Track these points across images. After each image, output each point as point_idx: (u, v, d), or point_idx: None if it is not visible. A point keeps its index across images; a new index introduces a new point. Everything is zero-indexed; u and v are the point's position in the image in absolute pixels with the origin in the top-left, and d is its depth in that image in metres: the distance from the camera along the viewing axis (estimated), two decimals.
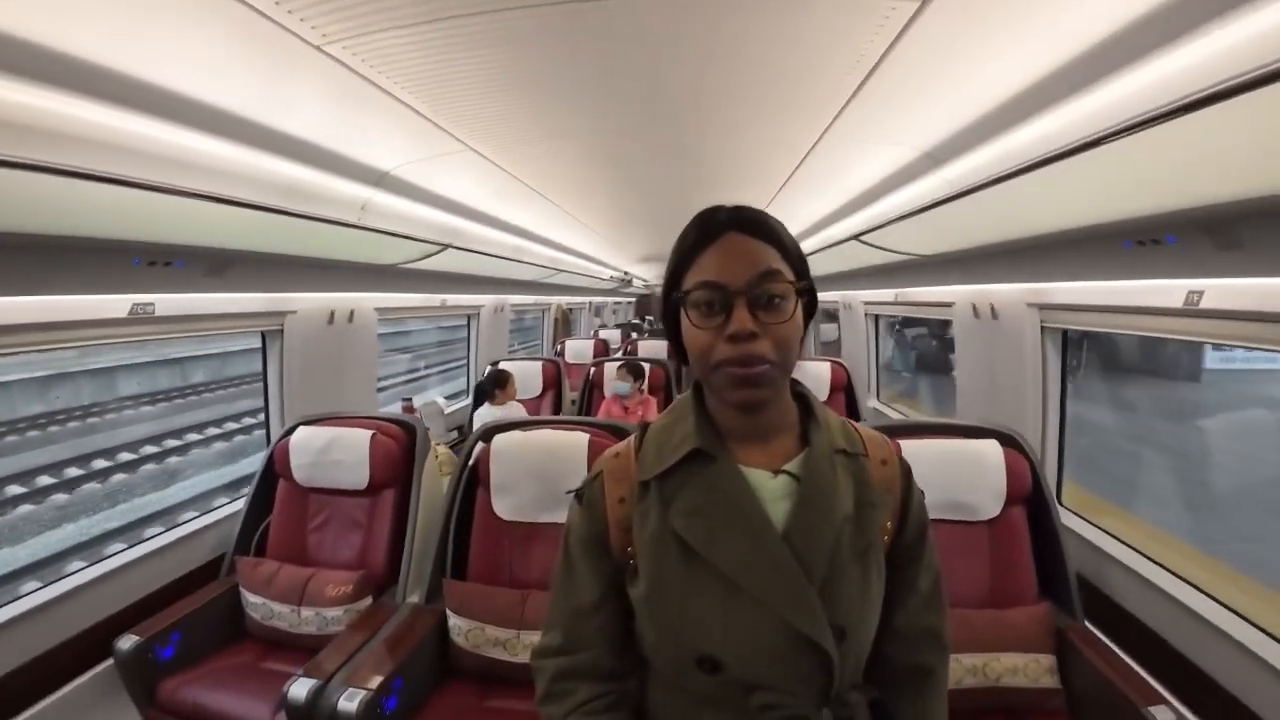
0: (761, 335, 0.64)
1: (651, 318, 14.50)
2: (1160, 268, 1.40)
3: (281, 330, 2.39)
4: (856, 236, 2.48)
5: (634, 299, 15.26)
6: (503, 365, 4.40)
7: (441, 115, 1.89)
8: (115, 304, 1.74)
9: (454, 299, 3.95)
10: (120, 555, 1.93)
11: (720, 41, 1.34)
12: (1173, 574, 1.68)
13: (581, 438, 1.97)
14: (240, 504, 2.21)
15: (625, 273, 9.53)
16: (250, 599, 1.92)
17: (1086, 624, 1.70)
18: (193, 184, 1.40)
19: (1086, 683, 1.50)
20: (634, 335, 7.72)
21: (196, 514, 2.28)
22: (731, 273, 0.65)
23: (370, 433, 2.10)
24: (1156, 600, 1.68)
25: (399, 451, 2.12)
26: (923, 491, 0.79)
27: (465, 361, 5.11)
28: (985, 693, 1.54)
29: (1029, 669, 1.54)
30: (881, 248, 2.69)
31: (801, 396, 0.77)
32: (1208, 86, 0.81)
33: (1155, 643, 1.68)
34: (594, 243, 5.81)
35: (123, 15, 0.95)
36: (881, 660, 0.75)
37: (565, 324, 7.81)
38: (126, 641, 1.65)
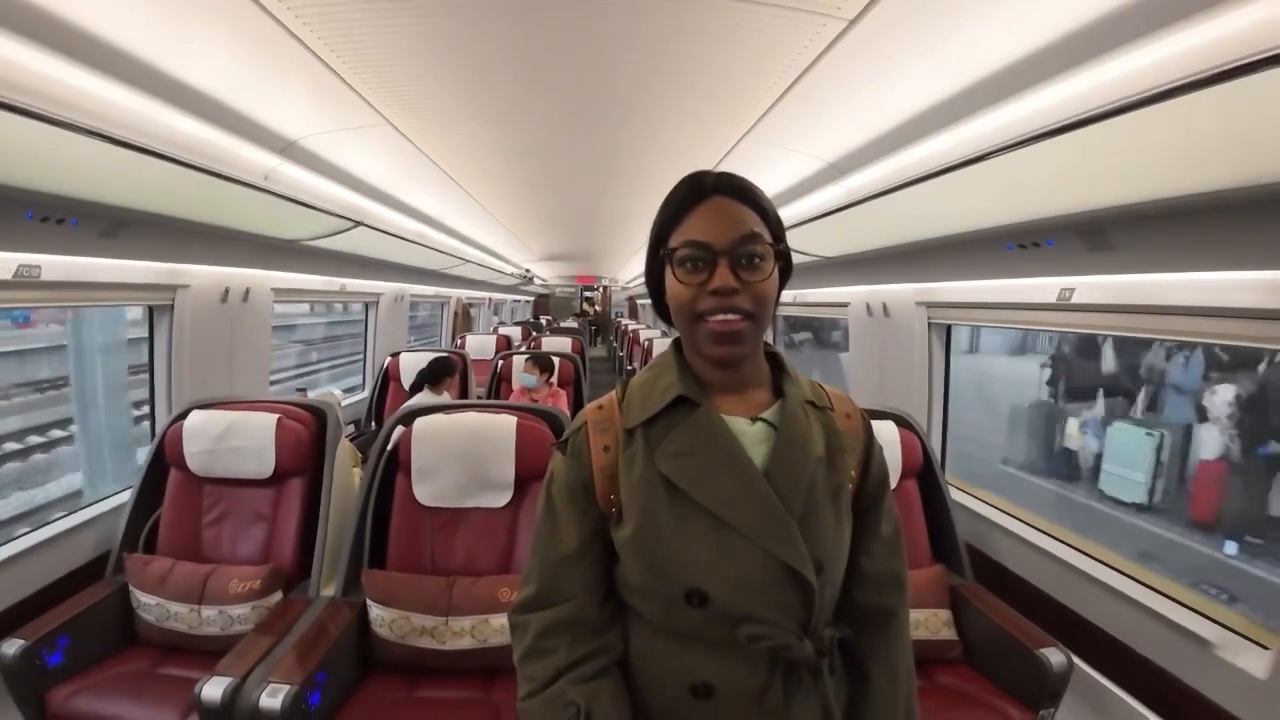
0: (741, 291, 0.70)
1: (550, 317, 14.38)
2: (1038, 268, 1.66)
3: (172, 306, 2.15)
4: None
5: (532, 298, 15.06)
6: (404, 355, 4.21)
7: (362, 81, 1.82)
8: None
9: (354, 284, 3.73)
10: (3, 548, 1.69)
11: (653, 43, 1.39)
12: (1049, 535, 1.99)
13: (509, 420, 1.96)
14: (124, 497, 1.97)
15: (527, 270, 9.41)
16: (142, 599, 1.74)
17: (975, 583, 1.97)
18: (93, 125, 1.25)
19: (980, 633, 1.73)
20: (535, 334, 7.64)
21: (66, 512, 1.98)
22: (716, 233, 0.71)
23: (275, 417, 1.95)
24: (1033, 557, 1.98)
25: (308, 437, 1.99)
26: (881, 446, 0.85)
27: (356, 357, 4.81)
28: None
29: (929, 623, 1.77)
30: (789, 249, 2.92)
31: (774, 355, 0.83)
32: (1082, 112, 1.01)
33: (1032, 594, 1.97)
34: (499, 237, 5.71)
35: None
36: (848, 602, 0.80)
37: (465, 318, 7.56)
38: (11, 646, 1.49)
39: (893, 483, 1.99)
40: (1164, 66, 0.91)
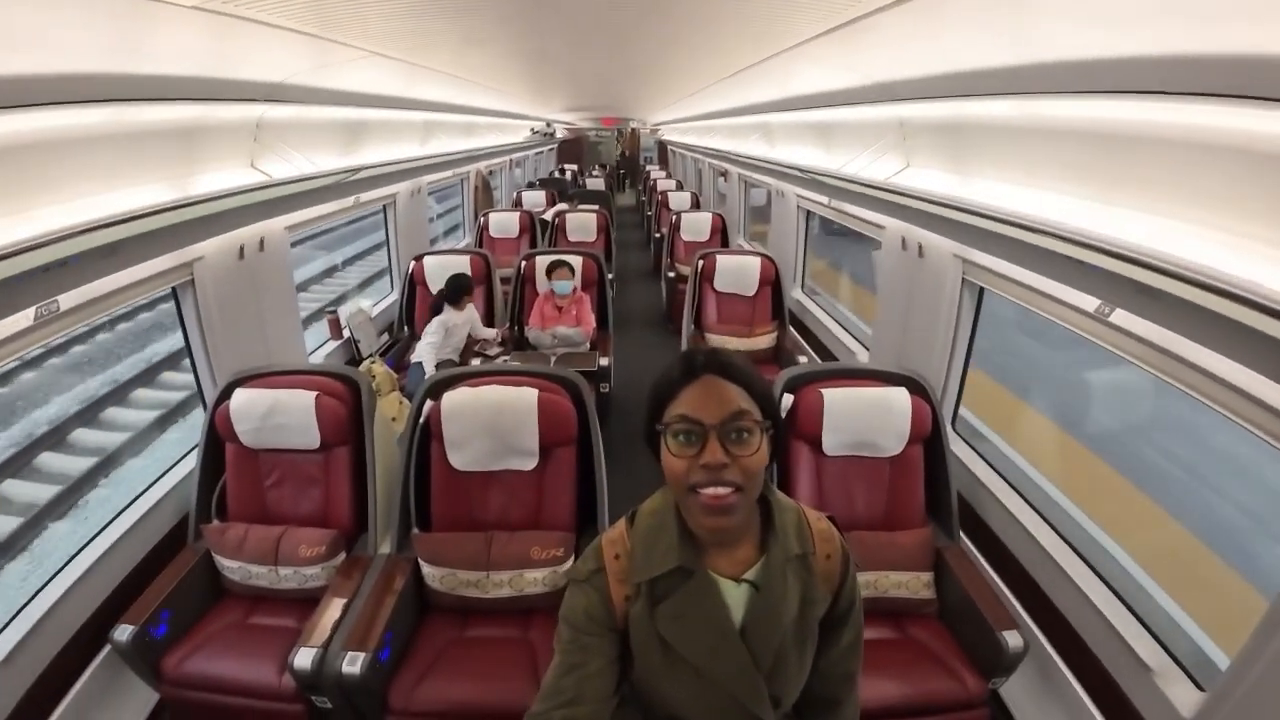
0: (731, 465, 0.77)
1: (575, 167, 13.64)
2: (1079, 282, 1.54)
3: (192, 280, 2.18)
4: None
5: (555, 147, 14.19)
6: (427, 259, 4.20)
7: (341, 31, 1.65)
8: (21, 316, 1.54)
9: (366, 195, 3.62)
10: (95, 545, 1.94)
11: None
12: (1032, 507, 2.05)
13: (530, 394, 2.05)
14: (190, 465, 2.19)
15: (548, 123, 8.77)
16: (225, 563, 2.02)
17: (964, 539, 2.08)
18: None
19: (955, 597, 1.88)
20: (561, 206, 7.37)
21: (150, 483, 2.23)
22: (707, 410, 0.78)
23: (314, 394, 2.08)
24: (1015, 528, 2.01)
25: (345, 412, 2.13)
26: (856, 574, 0.95)
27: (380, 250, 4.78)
28: (874, 602, 1.94)
29: (911, 584, 1.94)
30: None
31: (765, 500, 0.90)
32: None
33: (1009, 560, 2.03)
34: (517, 103, 5.25)
35: None
36: (806, 691, 0.93)
37: (486, 192, 7.29)
38: (122, 632, 1.72)
39: (897, 450, 2.06)
40: None
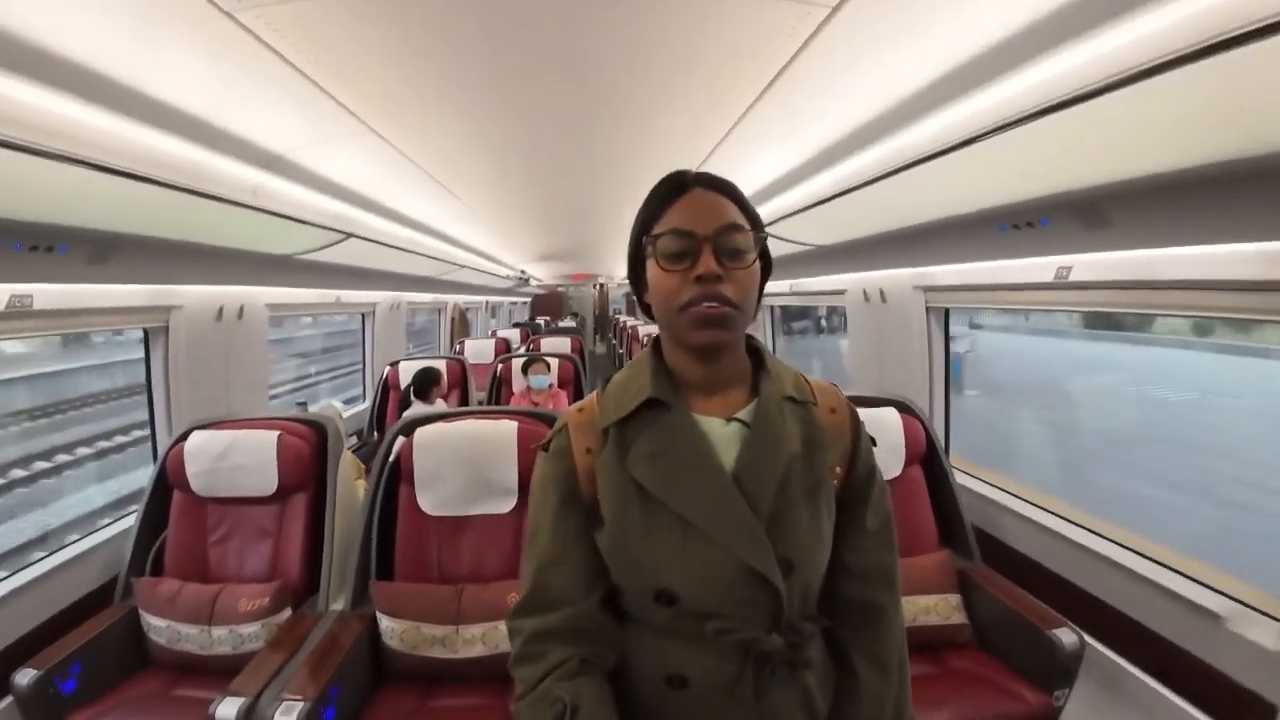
0: (726, 279, 0.70)
1: (548, 318, 14.37)
2: (1032, 248, 1.66)
3: (167, 327, 2.14)
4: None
5: (529, 299, 15.03)
6: (404, 363, 4.20)
7: (342, 90, 1.81)
8: None
9: (349, 295, 3.72)
10: (4, 582, 1.72)
11: (636, 39, 1.38)
12: (1057, 515, 1.99)
13: (510, 425, 1.96)
14: (129, 521, 1.97)
15: (522, 271, 9.38)
16: (153, 622, 1.74)
17: (984, 566, 1.97)
18: (76, 153, 1.24)
19: (990, 615, 1.74)
20: (533, 335, 7.65)
21: (79, 535, 1.99)
22: (700, 221, 0.71)
23: (276, 433, 1.94)
24: (1040, 536, 1.98)
25: (310, 452, 1.99)
26: (872, 438, 0.84)
27: (354, 368, 4.80)
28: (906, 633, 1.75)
29: (939, 608, 1.77)
30: (780, 238, 2.91)
31: (755, 350, 0.82)
32: (1073, 89, 1.00)
33: (1041, 573, 1.97)
34: (491, 239, 5.68)
35: None
36: (835, 595, 0.80)
37: (463, 324, 7.56)
38: (24, 676, 1.49)
39: (897, 470, 1.99)
40: (1155, 40, 0.90)
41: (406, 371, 4.12)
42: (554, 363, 4.11)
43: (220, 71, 1.46)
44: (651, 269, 0.74)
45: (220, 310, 2.41)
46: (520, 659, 0.75)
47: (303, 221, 2.59)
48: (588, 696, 0.70)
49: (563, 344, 6.35)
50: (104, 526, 2.07)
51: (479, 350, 6.19)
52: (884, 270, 2.42)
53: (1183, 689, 1.56)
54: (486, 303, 10.25)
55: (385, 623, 1.70)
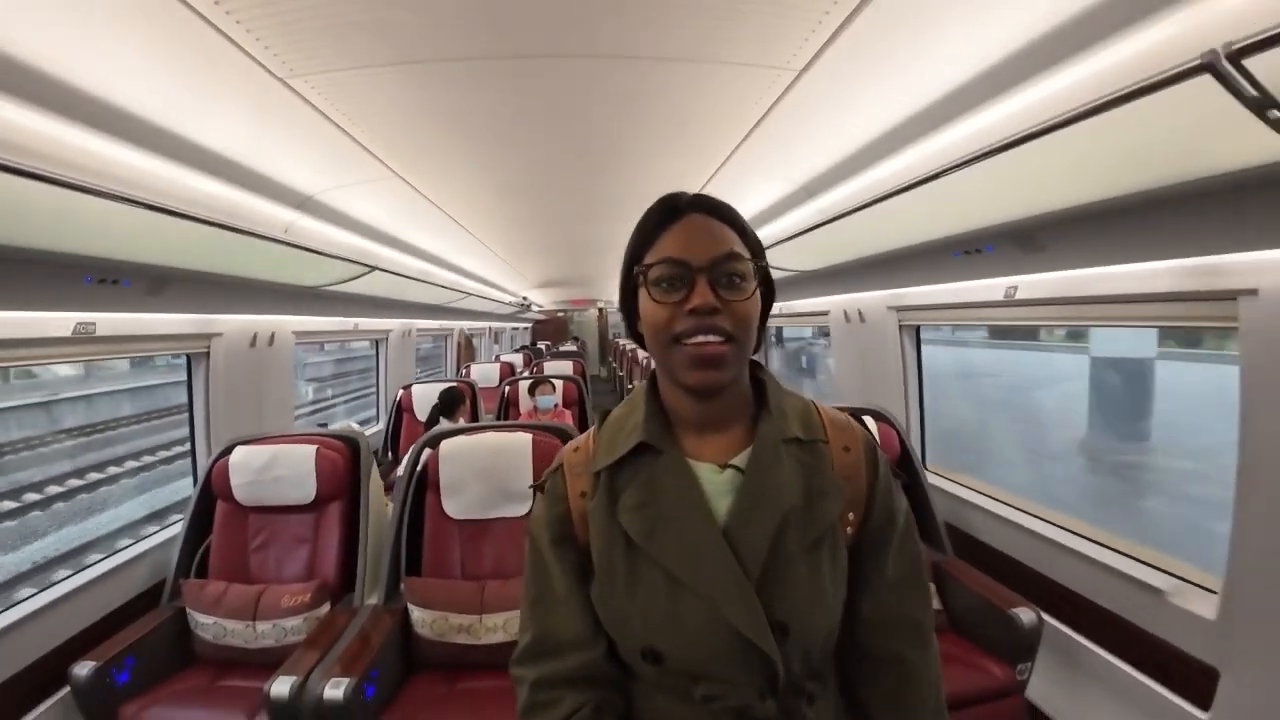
0: (722, 311, 0.65)
1: (549, 343, 14.63)
2: (982, 271, 1.90)
3: (208, 353, 2.35)
4: None
5: (529, 324, 15.29)
6: (416, 388, 4.41)
7: (372, 139, 2.05)
8: (59, 322, 1.71)
9: (365, 323, 3.95)
10: (62, 584, 1.88)
11: (628, 98, 1.62)
12: (1021, 510, 2.19)
13: (525, 437, 2.16)
14: (175, 530, 2.15)
15: (524, 298, 9.65)
16: (200, 619, 1.91)
17: (955, 558, 2.16)
18: (140, 196, 1.47)
19: (961, 601, 1.93)
20: (536, 359, 7.88)
21: (131, 541, 2.17)
22: (694, 250, 0.66)
23: (314, 447, 2.14)
24: (1006, 529, 2.18)
25: (344, 464, 2.19)
26: (895, 476, 0.76)
27: (363, 391, 5.01)
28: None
29: None
30: (769, 265, 3.14)
31: (759, 381, 0.76)
32: (1010, 134, 1.22)
33: (1007, 563, 2.15)
34: (497, 269, 5.95)
35: (75, 24, 1.01)
36: (855, 648, 0.73)
37: (469, 349, 7.79)
38: (83, 668, 1.63)
39: None
40: (1074, 92, 1.12)
41: (419, 394, 4.32)
42: (559, 384, 4.31)
43: (264, 123, 1.68)
44: (643, 299, 0.69)
45: (254, 338, 2.63)
46: (530, 709, 0.70)
47: (329, 255, 2.83)
48: None
49: (565, 367, 6.57)
50: (150, 535, 2.25)
51: (485, 374, 6.41)
52: (862, 293, 2.66)
53: (1132, 658, 1.75)
54: (490, 329, 10.49)
55: (416, 613, 1.88)
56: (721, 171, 2.17)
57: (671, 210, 0.70)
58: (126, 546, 2.15)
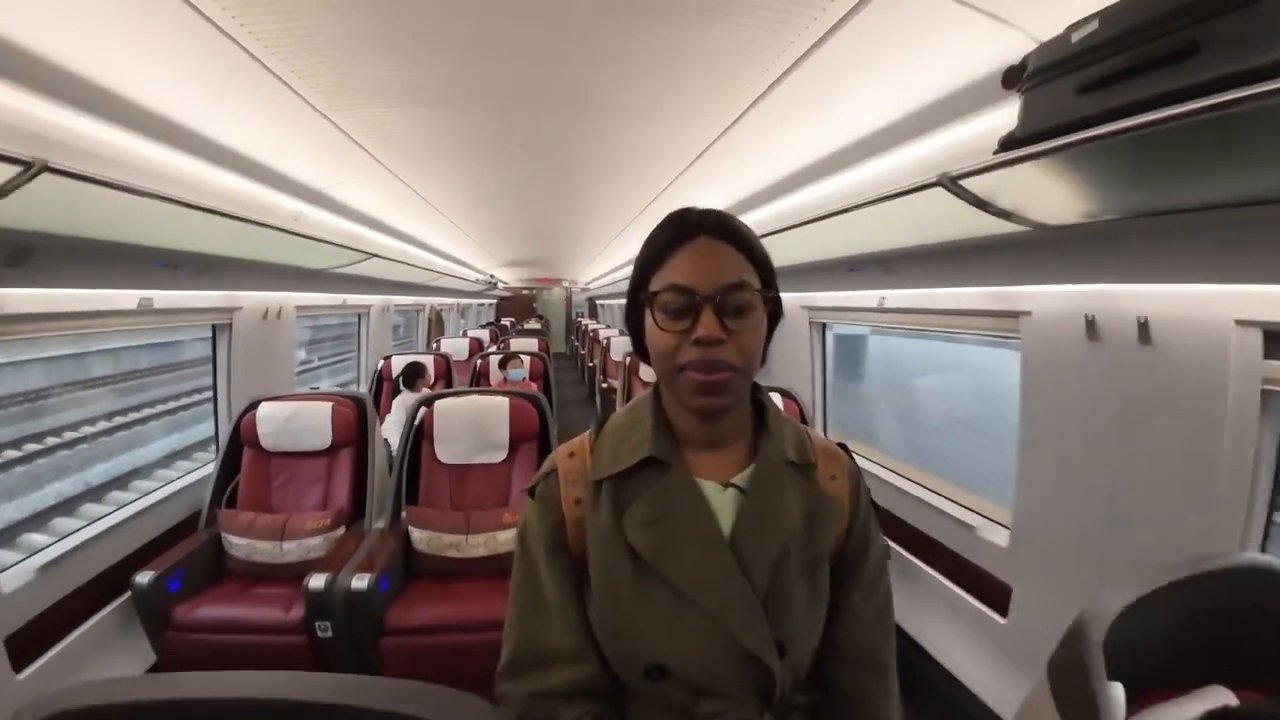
0: (727, 341, 0.65)
1: (512, 319, 14.96)
2: (860, 284, 2.51)
3: (230, 324, 2.79)
4: None
5: (495, 301, 15.57)
6: (395, 358, 4.84)
7: (366, 137, 2.39)
8: (126, 298, 2.13)
9: (352, 299, 4.36)
10: (116, 514, 2.33)
11: (603, 90, 1.72)
12: (891, 470, 2.82)
13: (504, 400, 2.69)
14: (207, 470, 2.60)
15: (491, 276, 10.00)
16: (234, 541, 2.37)
17: None
18: (189, 199, 1.86)
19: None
20: (502, 335, 8.32)
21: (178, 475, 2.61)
22: (701, 278, 0.66)
23: (329, 404, 2.62)
24: (885, 489, 2.76)
25: (353, 418, 2.67)
26: (874, 508, 0.78)
27: (338, 356, 5.39)
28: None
29: None
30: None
31: (759, 403, 0.77)
32: (865, 197, 1.78)
33: (883, 514, 2.77)
34: (467, 248, 6.33)
35: (139, 50, 1.17)
36: (824, 674, 0.74)
37: (439, 323, 8.16)
38: (144, 576, 2.05)
39: None
40: (896, 174, 1.68)
41: (398, 365, 4.76)
42: (526, 359, 4.81)
43: (272, 125, 2.06)
44: (649, 324, 0.69)
45: (266, 312, 3.05)
46: None
47: (331, 243, 3.25)
48: None
49: (531, 344, 7.05)
50: (186, 474, 2.69)
51: (455, 348, 6.80)
52: (784, 293, 3.25)
53: (952, 577, 2.34)
54: (458, 304, 10.81)
55: (415, 533, 2.40)
56: (672, 188, 2.68)
57: (680, 230, 0.69)
58: (167, 484, 2.58)
